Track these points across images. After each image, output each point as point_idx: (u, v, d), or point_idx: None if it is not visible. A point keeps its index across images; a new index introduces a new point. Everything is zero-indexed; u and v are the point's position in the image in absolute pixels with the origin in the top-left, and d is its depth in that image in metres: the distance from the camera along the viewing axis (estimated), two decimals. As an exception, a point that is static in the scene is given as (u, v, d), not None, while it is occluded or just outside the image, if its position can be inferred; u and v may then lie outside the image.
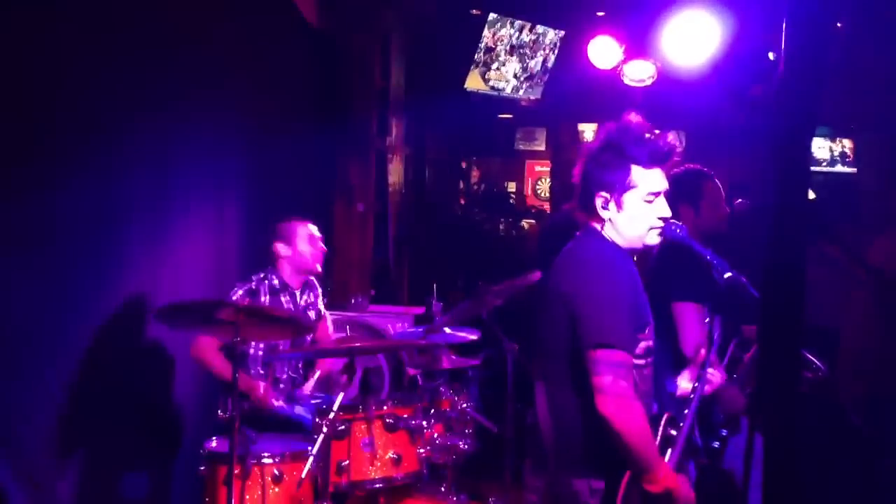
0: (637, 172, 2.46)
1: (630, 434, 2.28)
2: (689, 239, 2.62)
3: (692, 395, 2.61)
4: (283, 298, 3.91)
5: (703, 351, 2.72)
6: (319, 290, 4.17)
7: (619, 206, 2.48)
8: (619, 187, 2.47)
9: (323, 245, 4.02)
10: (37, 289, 3.13)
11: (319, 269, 4.01)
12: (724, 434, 3.17)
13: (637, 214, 2.49)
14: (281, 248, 3.92)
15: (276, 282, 3.91)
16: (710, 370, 2.71)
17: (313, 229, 3.98)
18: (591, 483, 2.37)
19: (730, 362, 3.21)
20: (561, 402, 2.45)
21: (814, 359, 2.72)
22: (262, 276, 3.91)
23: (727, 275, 2.65)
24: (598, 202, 2.49)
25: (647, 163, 2.47)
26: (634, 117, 2.53)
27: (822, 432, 3.58)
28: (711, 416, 3.25)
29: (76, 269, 3.33)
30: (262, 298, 3.83)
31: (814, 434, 3.80)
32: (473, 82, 6.83)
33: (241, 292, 3.81)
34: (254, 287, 3.85)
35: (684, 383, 2.77)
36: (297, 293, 4.01)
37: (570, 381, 2.41)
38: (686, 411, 2.55)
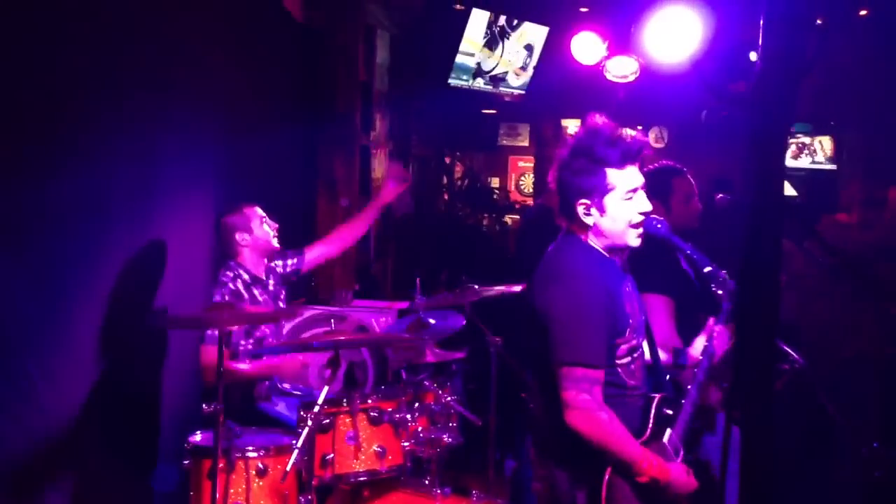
0: (612, 174, 2.50)
1: (601, 441, 2.40)
2: (669, 234, 2.65)
3: (696, 371, 2.67)
4: (256, 292, 3.92)
5: (710, 321, 2.78)
6: (280, 261, 4.15)
7: (601, 210, 2.52)
8: (598, 192, 2.50)
9: (274, 221, 4.01)
10: (18, 283, 3.12)
11: (277, 243, 4.00)
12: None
13: (619, 215, 2.52)
14: (241, 238, 3.91)
15: (245, 276, 3.91)
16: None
17: (260, 210, 3.98)
18: (575, 476, 2.48)
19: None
20: (544, 401, 2.53)
21: (791, 352, 2.77)
22: (231, 275, 3.88)
23: (707, 269, 2.69)
24: (580, 210, 2.52)
25: (620, 163, 2.50)
26: (599, 118, 2.56)
27: (799, 424, 3.64)
28: None
29: (58, 262, 3.31)
30: (244, 296, 3.83)
31: (791, 426, 3.85)
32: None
33: (226, 297, 3.78)
34: (233, 287, 3.84)
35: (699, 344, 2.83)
36: (267, 281, 4.01)
37: (549, 386, 2.48)
38: (689, 387, 2.61)
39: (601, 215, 2.52)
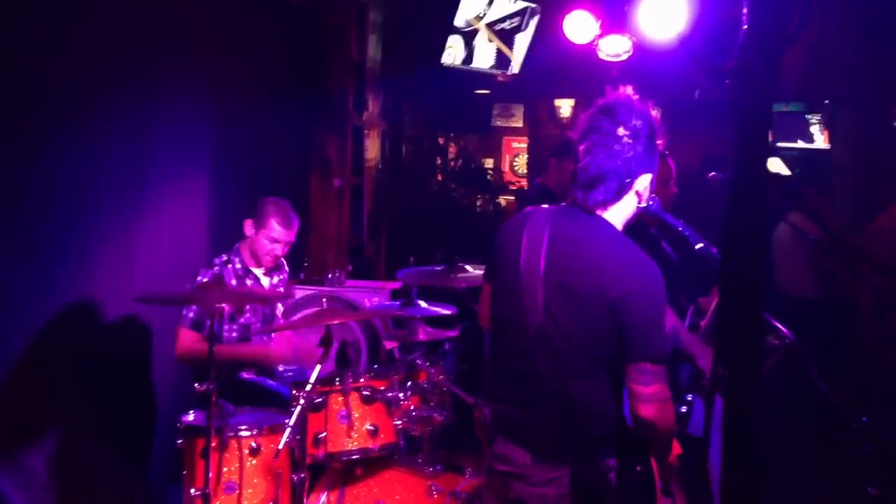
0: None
1: (667, 430, 2.34)
2: (661, 211, 2.65)
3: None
4: (248, 283, 3.91)
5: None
6: (286, 271, 4.16)
7: (651, 186, 2.45)
8: (657, 164, 2.44)
9: (280, 250, 3.93)
10: (9, 262, 3.11)
11: (270, 264, 3.95)
12: (689, 399, 3.24)
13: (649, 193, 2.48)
14: (249, 228, 3.89)
15: (238, 266, 3.89)
16: None
17: (281, 233, 3.87)
18: (619, 462, 2.37)
19: (689, 328, 3.29)
20: (587, 393, 2.35)
21: (781, 326, 2.77)
22: (224, 259, 3.88)
23: (699, 245, 2.69)
24: (642, 184, 2.40)
25: (661, 138, 2.46)
26: (633, 94, 2.45)
27: (789, 399, 3.66)
28: (678, 382, 3.32)
29: (49, 242, 3.31)
30: (231, 282, 3.82)
31: (781, 401, 3.88)
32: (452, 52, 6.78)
33: (205, 279, 3.77)
34: (217, 272, 3.82)
35: None
36: (262, 274, 3.99)
37: (599, 378, 2.34)
38: None
39: (650, 192, 2.46)
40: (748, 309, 1.04)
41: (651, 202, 2.60)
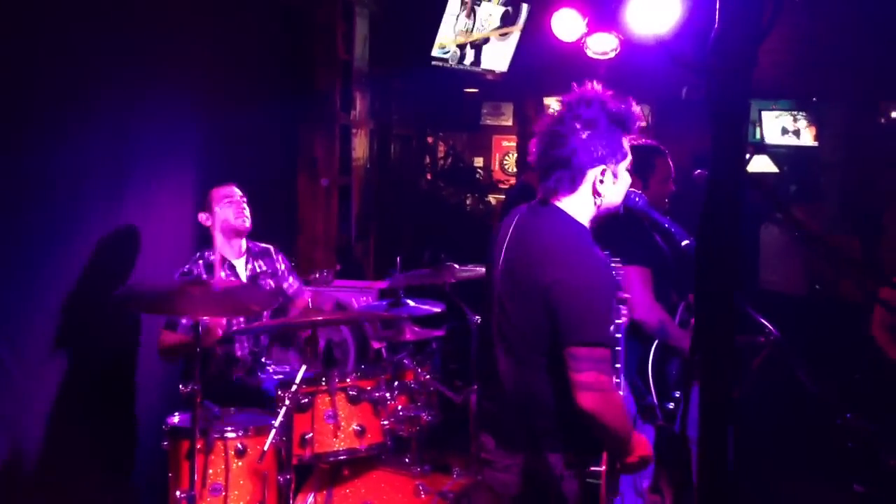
0: (625, 142, 2.45)
1: (613, 424, 2.31)
2: (647, 207, 2.65)
3: (618, 335, 2.65)
4: (222, 274, 3.87)
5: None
6: (280, 258, 4.11)
7: (615, 176, 2.44)
8: (617, 158, 2.42)
9: (244, 203, 3.91)
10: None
11: (247, 224, 3.90)
12: (677, 395, 3.23)
13: (625, 185, 2.48)
14: (204, 218, 3.87)
15: (210, 258, 3.86)
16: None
17: (230, 190, 3.89)
18: (569, 458, 2.38)
19: (679, 324, 3.28)
20: (535, 384, 2.39)
21: (766, 322, 2.77)
22: (196, 255, 3.87)
23: (685, 242, 2.69)
24: (595, 175, 2.40)
25: (631, 132, 2.46)
26: (598, 86, 2.47)
27: (774, 394, 3.67)
28: (667, 378, 3.31)
29: (33, 241, 3.28)
30: (198, 275, 3.78)
31: (766, 396, 3.89)
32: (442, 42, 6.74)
33: (176, 277, 3.76)
34: (186, 269, 3.80)
35: None
36: (241, 263, 3.95)
37: (545, 368, 2.37)
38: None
39: (614, 182, 2.43)
40: (723, 300, 1.03)
41: (637, 199, 2.61)
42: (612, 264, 2.66)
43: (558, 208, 2.45)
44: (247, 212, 3.91)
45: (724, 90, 1.01)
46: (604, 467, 2.35)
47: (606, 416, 2.28)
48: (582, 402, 2.26)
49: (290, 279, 4.13)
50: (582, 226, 2.45)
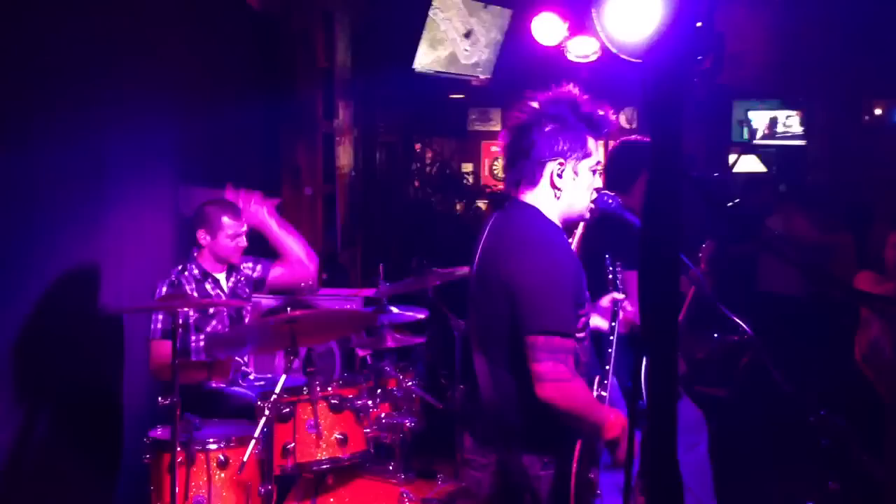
0: (591, 142, 2.48)
1: (575, 410, 2.33)
2: (621, 209, 2.64)
3: (612, 337, 2.66)
4: (207, 286, 3.88)
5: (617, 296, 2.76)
6: (250, 264, 4.10)
7: (575, 173, 2.46)
8: (577, 154, 2.45)
9: (244, 240, 3.94)
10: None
11: (238, 260, 3.96)
12: None
13: (586, 184, 2.49)
14: (203, 237, 3.88)
15: (196, 271, 3.87)
16: (624, 301, 2.76)
17: (236, 225, 3.89)
18: (541, 458, 2.39)
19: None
20: (504, 381, 2.42)
21: (740, 322, 2.76)
22: (180, 268, 3.88)
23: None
24: (552, 170, 2.44)
25: (599, 134, 2.50)
26: (574, 89, 2.53)
27: (748, 393, 3.67)
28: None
29: (10, 250, 3.25)
30: (187, 288, 3.79)
31: (741, 395, 3.89)
32: (423, 59, 6.75)
33: (164, 289, 3.77)
34: (174, 279, 3.81)
35: (598, 321, 2.77)
36: (223, 277, 3.97)
37: (510, 363, 2.39)
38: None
39: (573, 179, 2.46)
40: (666, 287, 1.05)
41: (610, 201, 2.61)
42: (616, 268, 2.69)
43: (527, 205, 2.49)
44: (244, 242, 3.96)
45: (659, 83, 1.02)
46: (575, 467, 2.34)
47: (565, 405, 2.30)
48: (540, 392, 2.28)
49: (251, 264, 4.09)
50: (550, 221, 2.48)
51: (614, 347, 2.65)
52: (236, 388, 3.87)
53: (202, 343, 3.82)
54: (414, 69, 6.68)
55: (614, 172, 3.60)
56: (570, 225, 2.56)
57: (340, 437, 3.25)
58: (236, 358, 3.88)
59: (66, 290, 3.56)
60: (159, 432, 3.28)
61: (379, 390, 3.43)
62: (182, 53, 4.46)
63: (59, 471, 3.53)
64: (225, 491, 3.18)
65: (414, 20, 6.69)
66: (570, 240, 2.69)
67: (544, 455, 2.40)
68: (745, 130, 9.10)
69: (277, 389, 3.06)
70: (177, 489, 3.04)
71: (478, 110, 10.14)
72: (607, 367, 2.58)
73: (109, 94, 3.78)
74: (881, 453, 3.27)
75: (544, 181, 2.46)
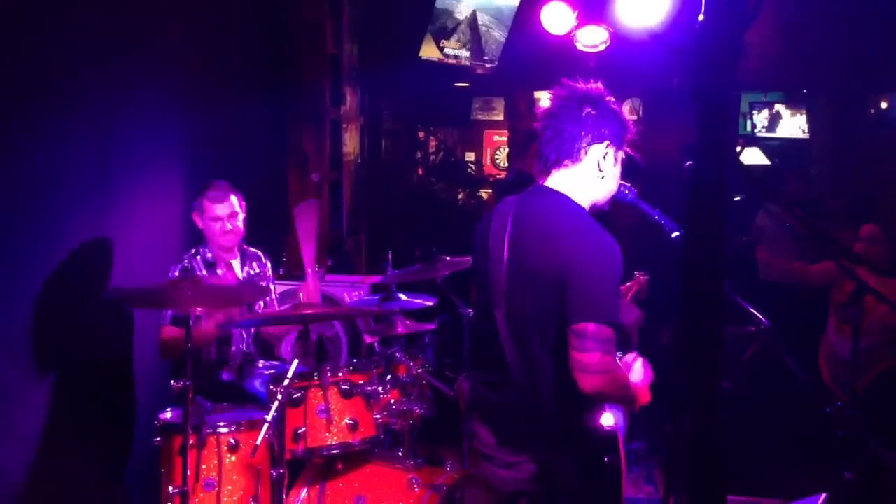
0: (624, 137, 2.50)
1: (617, 397, 2.36)
2: (637, 199, 2.65)
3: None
4: (219, 272, 3.87)
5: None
6: (269, 265, 4.11)
7: (615, 161, 2.47)
8: (617, 141, 2.46)
9: (229, 224, 3.83)
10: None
11: (230, 240, 3.86)
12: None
13: (617, 173, 2.50)
14: (197, 220, 3.87)
15: (209, 255, 3.86)
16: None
17: (216, 208, 3.80)
18: (578, 455, 2.39)
19: None
20: (546, 373, 2.38)
21: (755, 312, 2.77)
22: (192, 252, 3.86)
23: (675, 234, 2.69)
24: (597, 152, 2.43)
25: (626, 131, 2.52)
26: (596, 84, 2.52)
27: (764, 384, 3.68)
28: None
29: (22, 243, 3.26)
30: (199, 273, 3.78)
31: (756, 385, 3.90)
32: (428, 51, 6.76)
33: (176, 273, 3.74)
34: (186, 265, 3.79)
35: None
36: (236, 264, 3.95)
37: (553, 354, 2.36)
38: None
39: (614, 165, 2.47)
40: (710, 290, 1.03)
41: (627, 192, 2.62)
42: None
43: (555, 191, 2.46)
44: (231, 226, 3.83)
45: (710, 76, 1.01)
46: (623, 460, 2.36)
47: (612, 393, 2.31)
48: (585, 384, 2.24)
49: (272, 287, 4.10)
50: (583, 208, 2.46)
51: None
52: (246, 380, 3.89)
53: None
54: (420, 57, 6.68)
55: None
56: (594, 212, 2.54)
57: (351, 422, 3.26)
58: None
59: (78, 273, 3.57)
60: (170, 415, 3.30)
61: (389, 376, 3.43)
62: (190, 40, 4.45)
63: (71, 452, 3.55)
64: (235, 474, 3.20)
65: (420, 9, 6.69)
66: None
67: (591, 448, 2.39)
68: (748, 123, 9.10)
69: (290, 374, 3.07)
70: (188, 472, 3.05)
71: (481, 100, 10.14)
72: (619, 354, 2.59)
73: (119, 81, 3.77)
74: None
75: (589, 162, 2.44)
